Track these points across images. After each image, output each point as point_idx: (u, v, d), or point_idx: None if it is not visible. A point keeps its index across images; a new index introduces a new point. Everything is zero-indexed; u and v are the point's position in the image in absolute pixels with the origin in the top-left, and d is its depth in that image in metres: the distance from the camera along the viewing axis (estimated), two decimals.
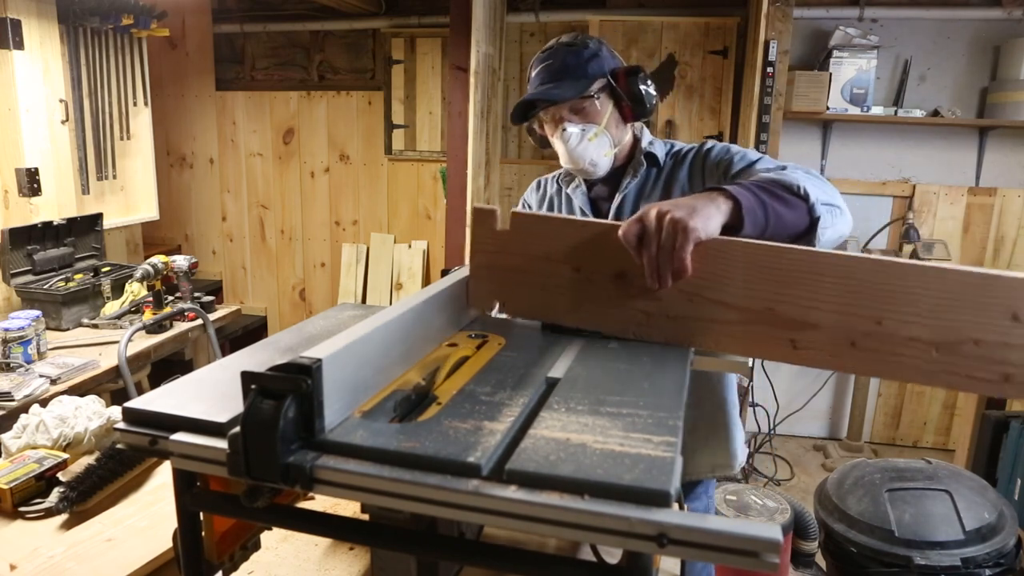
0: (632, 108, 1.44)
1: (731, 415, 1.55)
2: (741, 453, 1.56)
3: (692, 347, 1.04)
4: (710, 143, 1.47)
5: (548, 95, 1.42)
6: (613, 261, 1.03)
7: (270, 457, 0.66)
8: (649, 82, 1.45)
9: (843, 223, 1.17)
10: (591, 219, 1.36)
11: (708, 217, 0.98)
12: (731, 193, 1.03)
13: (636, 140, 1.53)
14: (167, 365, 2.64)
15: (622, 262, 1.02)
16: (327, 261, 4.74)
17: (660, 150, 1.50)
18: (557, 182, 1.62)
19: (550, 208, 1.61)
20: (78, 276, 2.79)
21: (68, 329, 2.60)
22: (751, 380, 3.69)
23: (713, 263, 0.99)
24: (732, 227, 1.03)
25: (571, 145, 1.43)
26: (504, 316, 1.15)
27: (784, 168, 1.25)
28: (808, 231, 1.12)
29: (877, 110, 3.66)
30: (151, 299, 2.70)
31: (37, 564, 1.06)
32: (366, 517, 0.87)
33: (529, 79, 1.50)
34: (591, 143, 1.43)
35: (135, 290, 2.74)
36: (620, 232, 0.99)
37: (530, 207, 1.65)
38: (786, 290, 0.97)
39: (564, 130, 1.43)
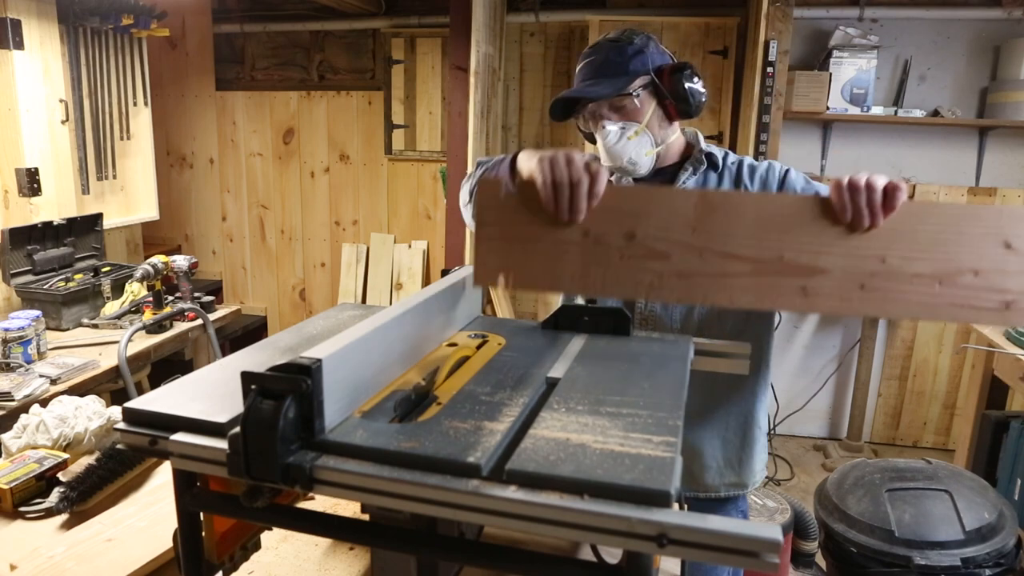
0: (676, 106, 1.41)
1: (759, 432, 1.52)
2: (760, 473, 1.54)
3: (707, 304, 1.03)
4: (787, 166, 1.45)
5: (585, 92, 1.41)
6: (623, 222, 1.03)
7: (270, 457, 0.66)
8: (697, 79, 1.41)
9: None
10: None
11: None
12: None
13: (689, 142, 1.50)
14: (167, 365, 2.64)
15: (632, 223, 1.02)
16: (327, 261, 4.74)
17: (718, 154, 1.48)
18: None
19: None
20: (78, 276, 2.79)
21: (68, 329, 2.60)
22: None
23: (721, 217, 1.00)
24: None
25: (609, 143, 1.40)
26: (503, 290, 1.13)
27: None
28: None
29: (877, 110, 3.66)
30: (151, 299, 2.70)
31: (37, 564, 1.06)
32: (366, 517, 0.87)
33: (575, 75, 1.48)
34: (630, 141, 1.40)
35: (135, 290, 2.74)
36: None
37: None
38: (794, 238, 1.00)
39: (603, 128, 1.41)
